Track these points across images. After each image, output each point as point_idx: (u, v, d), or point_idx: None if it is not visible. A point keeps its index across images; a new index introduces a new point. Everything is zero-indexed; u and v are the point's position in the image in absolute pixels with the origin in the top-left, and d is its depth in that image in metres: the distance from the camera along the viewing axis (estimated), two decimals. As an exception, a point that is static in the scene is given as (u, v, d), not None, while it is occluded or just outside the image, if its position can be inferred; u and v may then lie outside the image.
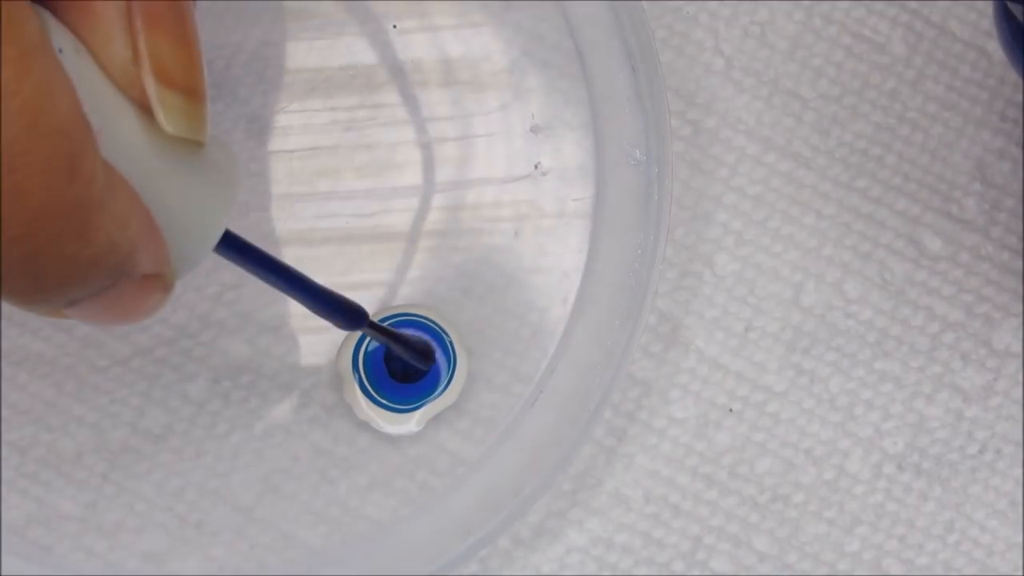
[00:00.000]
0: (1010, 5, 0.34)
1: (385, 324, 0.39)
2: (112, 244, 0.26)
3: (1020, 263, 0.40)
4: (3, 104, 0.23)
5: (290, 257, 0.39)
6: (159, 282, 0.28)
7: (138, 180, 0.27)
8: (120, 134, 0.27)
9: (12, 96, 0.24)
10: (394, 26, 0.40)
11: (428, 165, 0.40)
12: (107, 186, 0.26)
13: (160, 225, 0.28)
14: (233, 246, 0.31)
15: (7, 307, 0.39)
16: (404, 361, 0.38)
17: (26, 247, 0.25)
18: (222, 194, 0.29)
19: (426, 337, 0.39)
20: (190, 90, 0.28)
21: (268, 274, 0.33)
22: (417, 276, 0.39)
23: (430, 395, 0.39)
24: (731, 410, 0.40)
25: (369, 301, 0.39)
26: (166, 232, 0.28)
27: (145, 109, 0.27)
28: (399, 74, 0.40)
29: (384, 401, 0.38)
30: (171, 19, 0.27)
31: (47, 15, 0.26)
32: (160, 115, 0.27)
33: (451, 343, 0.39)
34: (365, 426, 0.39)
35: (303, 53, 0.40)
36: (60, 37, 0.26)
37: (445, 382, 0.39)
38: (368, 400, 0.38)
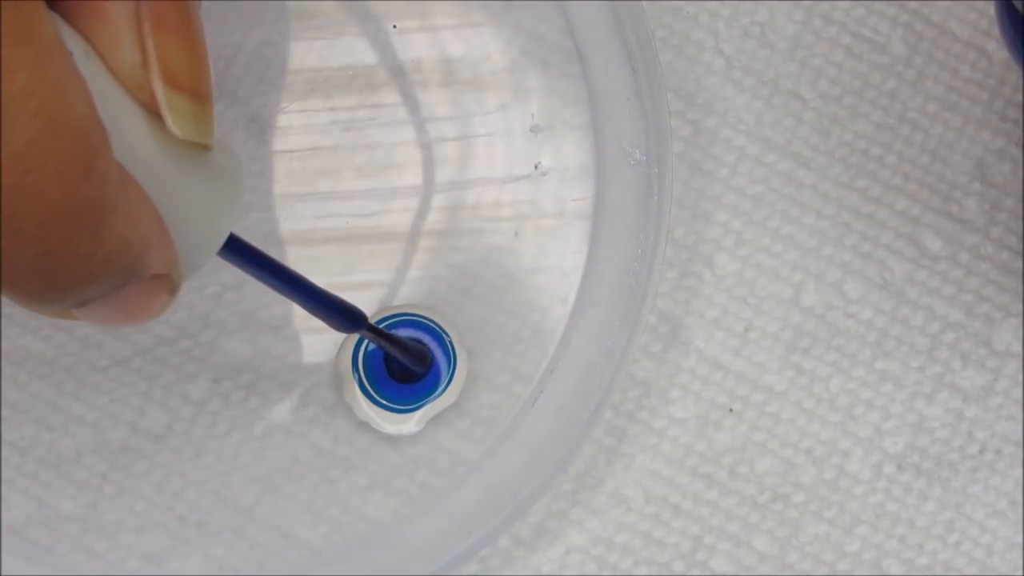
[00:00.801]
0: None
1: (385, 324, 0.39)
2: (125, 243, 0.26)
3: (1020, 263, 0.40)
4: (21, 104, 0.24)
5: (290, 257, 0.39)
6: (166, 283, 0.28)
7: (146, 182, 0.27)
8: (129, 137, 0.27)
9: (30, 96, 0.24)
10: (394, 26, 0.40)
11: (428, 165, 0.40)
12: (120, 186, 0.26)
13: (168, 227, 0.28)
14: (234, 248, 0.31)
15: (7, 307, 0.39)
16: (399, 364, 0.38)
17: (41, 247, 0.25)
18: (228, 198, 0.29)
19: (424, 341, 0.39)
20: (197, 93, 0.28)
21: (268, 276, 0.33)
22: (417, 276, 0.39)
23: (430, 395, 0.39)
24: (731, 410, 0.40)
25: (369, 301, 0.39)
26: (173, 234, 0.28)
27: (153, 112, 0.27)
28: (399, 74, 0.40)
29: (384, 401, 0.38)
30: (179, 23, 0.27)
31: (57, 19, 0.26)
32: (168, 118, 0.27)
33: (451, 343, 0.39)
34: (365, 426, 0.39)
35: (303, 53, 0.40)
36: (70, 40, 0.26)
37: (445, 382, 0.39)
38: (368, 400, 0.38)
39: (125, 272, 0.27)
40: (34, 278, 0.26)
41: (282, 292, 0.34)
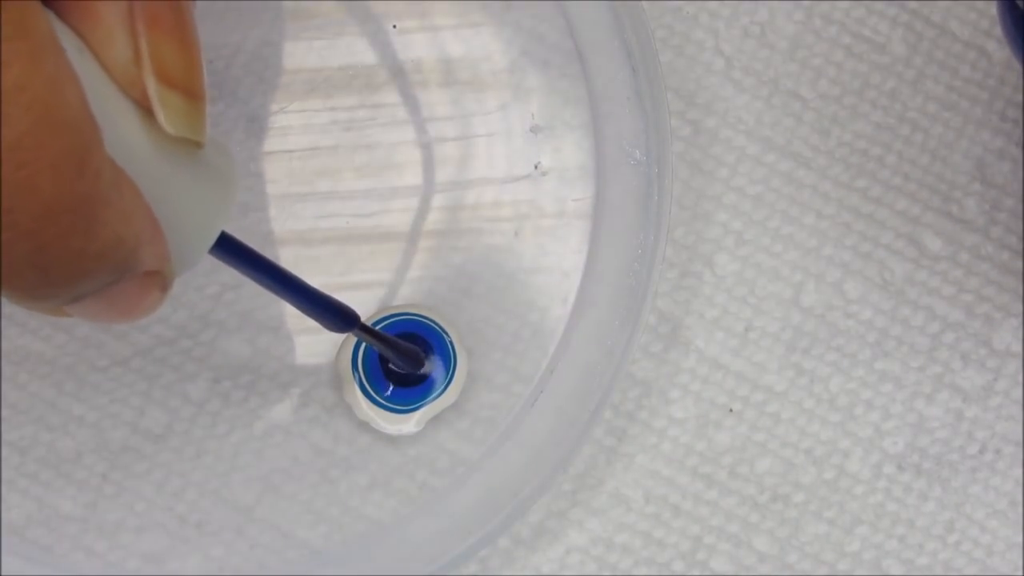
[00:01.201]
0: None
1: (385, 324, 0.39)
2: (118, 239, 0.26)
3: (1020, 263, 0.40)
4: (14, 98, 0.24)
5: (289, 257, 0.39)
6: (158, 280, 0.28)
7: (139, 179, 0.27)
8: (121, 133, 0.27)
9: (23, 91, 0.24)
10: (394, 26, 0.40)
11: (428, 165, 0.40)
12: (113, 182, 0.26)
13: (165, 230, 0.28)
14: (227, 247, 0.31)
15: (7, 307, 0.39)
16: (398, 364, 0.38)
17: (35, 242, 0.25)
18: (220, 195, 0.30)
19: (419, 340, 0.39)
20: (190, 90, 0.28)
21: (260, 275, 0.33)
22: (417, 276, 0.39)
23: (430, 395, 0.39)
24: (731, 410, 0.40)
25: (369, 301, 0.39)
26: (165, 231, 0.28)
27: (146, 109, 0.28)
28: (399, 74, 0.40)
29: (384, 401, 0.38)
30: (172, 20, 0.27)
31: (51, 15, 0.26)
32: (160, 115, 0.27)
33: (451, 343, 0.39)
34: (365, 426, 0.39)
35: (303, 53, 0.40)
36: (63, 37, 0.26)
37: (445, 382, 0.39)
38: (368, 400, 0.38)
39: (118, 268, 0.27)
40: (28, 273, 0.26)
41: (274, 291, 0.34)
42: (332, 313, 0.34)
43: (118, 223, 0.26)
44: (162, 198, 0.28)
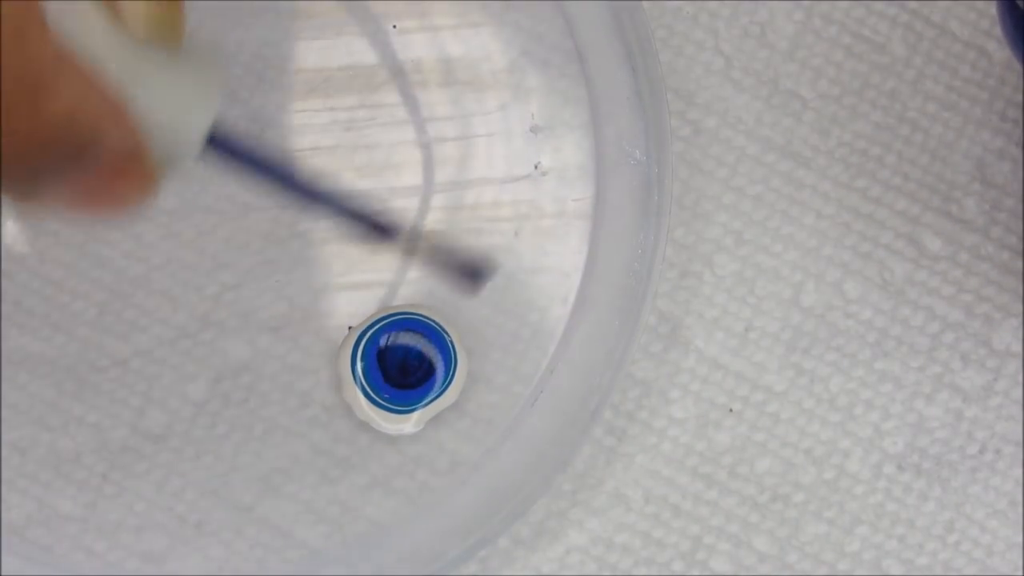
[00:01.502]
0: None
1: (385, 324, 0.39)
2: (69, 114, 0.26)
3: (1020, 263, 0.40)
4: None
5: (290, 257, 0.39)
6: (137, 166, 0.28)
7: (106, 69, 0.27)
8: (90, 35, 0.27)
9: None
10: (394, 26, 0.40)
11: (428, 165, 0.40)
12: (60, 55, 0.26)
13: (139, 122, 0.28)
14: (226, 146, 0.30)
15: (7, 307, 0.39)
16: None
17: None
18: (204, 92, 0.29)
19: (422, 341, 0.39)
20: None
21: (268, 176, 0.31)
22: (417, 276, 0.39)
23: (430, 395, 0.39)
24: (731, 410, 0.40)
25: (369, 301, 0.39)
26: (144, 124, 0.28)
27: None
28: (399, 74, 0.40)
29: (383, 401, 0.38)
30: None
31: None
32: (129, 17, 0.27)
33: (451, 343, 0.39)
34: (365, 426, 0.39)
35: (303, 53, 0.40)
36: None
37: (445, 382, 0.39)
38: (368, 400, 0.38)
39: (78, 144, 0.27)
40: None
41: (288, 196, 0.31)
42: (365, 223, 0.32)
43: (68, 97, 0.26)
44: (139, 95, 0.27)
